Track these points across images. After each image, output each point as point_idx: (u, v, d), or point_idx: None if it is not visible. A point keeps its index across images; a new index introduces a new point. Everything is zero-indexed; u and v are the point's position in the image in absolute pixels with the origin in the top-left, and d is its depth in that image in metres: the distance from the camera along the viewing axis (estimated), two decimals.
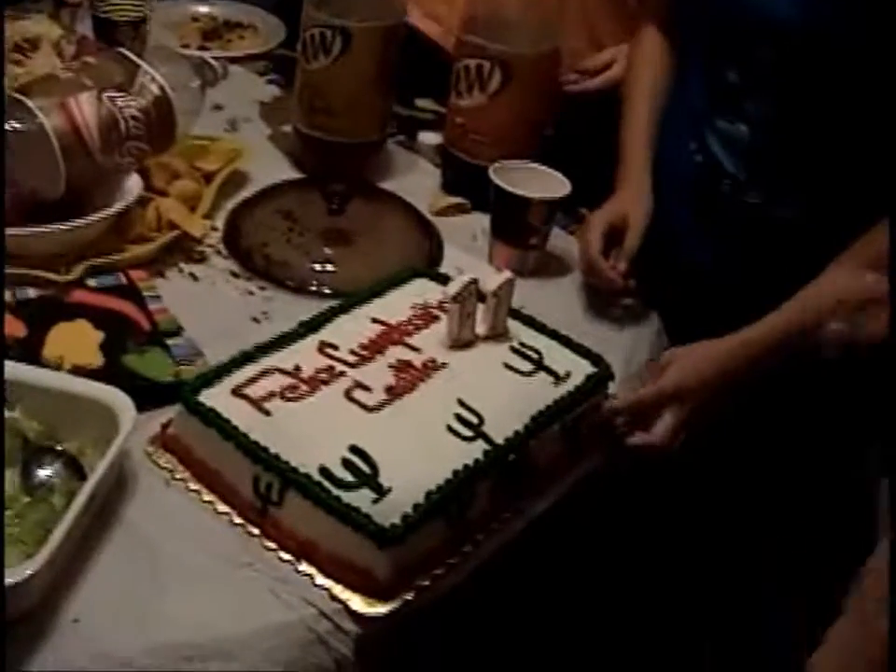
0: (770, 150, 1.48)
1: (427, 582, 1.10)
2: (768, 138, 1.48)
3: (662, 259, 1.56)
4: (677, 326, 1.54)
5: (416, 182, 1.79)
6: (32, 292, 1.37)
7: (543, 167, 1.58)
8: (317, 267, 1.54)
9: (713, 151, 1.52)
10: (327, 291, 1.48)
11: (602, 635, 1.46)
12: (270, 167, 1.75)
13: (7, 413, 1.13)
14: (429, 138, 1.87)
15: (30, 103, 1.41)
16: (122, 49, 1.54)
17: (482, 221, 1.67)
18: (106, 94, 1.45)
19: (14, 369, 1.17)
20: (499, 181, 1.54)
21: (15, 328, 1.30)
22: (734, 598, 1.66)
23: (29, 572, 0.95)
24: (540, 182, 1.56)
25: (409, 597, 1.08)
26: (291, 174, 1.76)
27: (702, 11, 1.51)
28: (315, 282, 1.51)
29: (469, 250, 1.63)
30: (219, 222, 1.59)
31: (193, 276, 1.49)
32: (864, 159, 1.43)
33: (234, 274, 1.50)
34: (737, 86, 1.48)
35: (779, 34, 1.40)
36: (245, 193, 1.67)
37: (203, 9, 2.29)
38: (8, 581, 0.95)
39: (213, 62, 1.64)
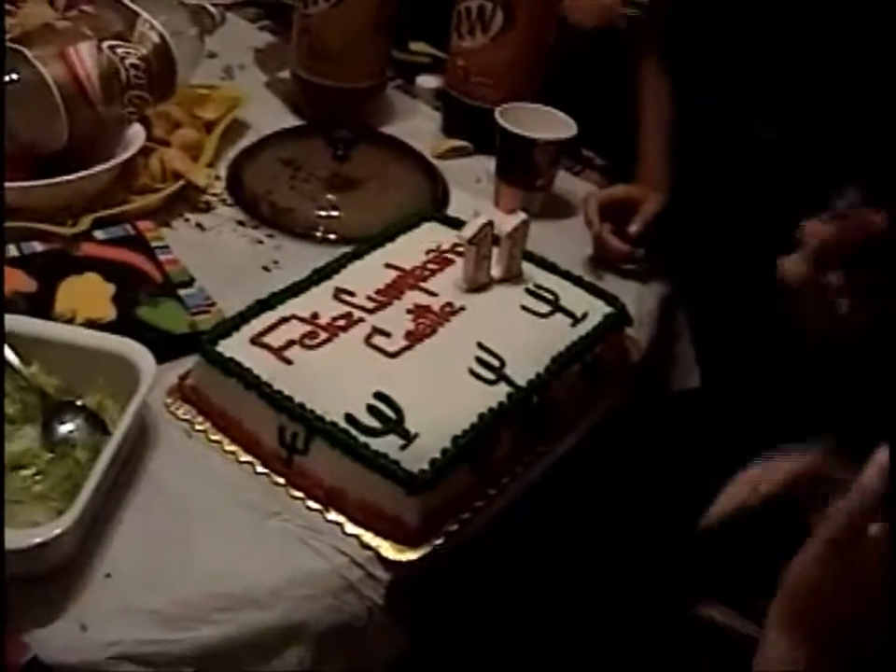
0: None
1: (455, 527, 1.10)
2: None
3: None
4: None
5: (417, 126, 1.78)
6: (38, 246, 1.35)
7: (548, 108, 1.57)
8: (323, 213, 1.53)
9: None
10: (333, 237, 1.47)
11: (624, 578, 1.46)
12: (269, 114, 1.73)
13: (25, 370, 1.12)
14: (428, 81, 1.86)
15: (29, 53, 1.38)
16: None
17: (484, 163, 1.66)
18: (106, 44, 1.42)
19: (28, 324, 1.16)
20: (505, 123, 1.52)
21: (23, 282, 1.28)
22: None
23: (58, 530, 0.94)
24: (546, 123, 1.54)
25: (438, 542, 1.08)
26: (290, 120, 1.74)
27: None
28: (321, 228, 1.49)
29: (473, 192, 1.62)
30: (222, 171, 1.58)
31: (200, 226, 1.47)
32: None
33: (240, 223, 1.49)
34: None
35: None
36: (246, 141, 1.65)
37: None
38: (39, 539, 0.94)
39: (211, 7, 1.61)
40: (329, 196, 1.56)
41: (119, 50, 1.43)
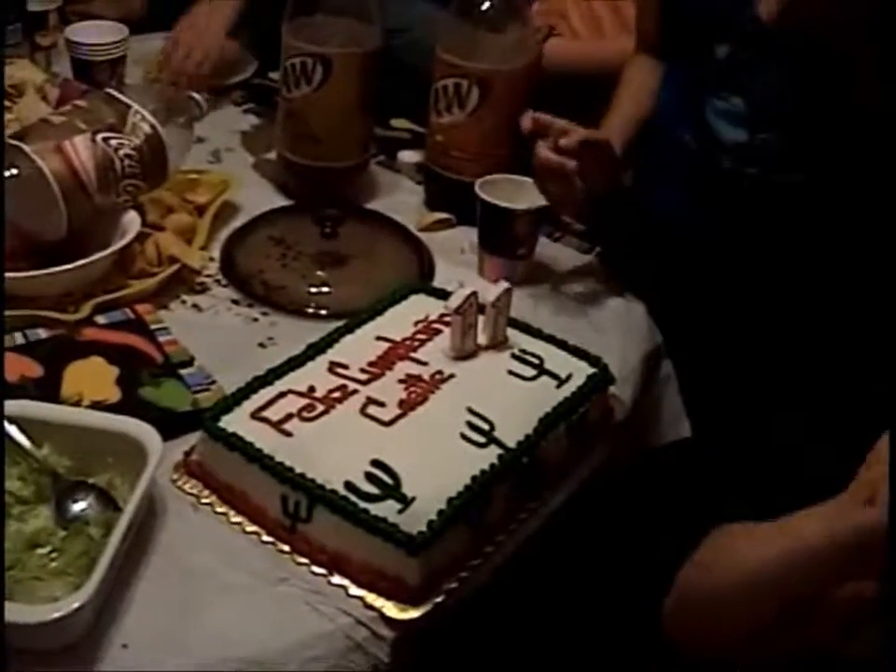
0: (767, 114, 1.54)
1: (454, 585, 1.15)
2: (765, 104, 1.54)
3: (659, 247, 1.62)
4: (672, 313, 1.59)
5: (400, 200, 1.84)
6: (43, 333, 1.41)
7: (526, 178, 1.63)
8: (314, 290, 1.59)
9: (713, 128, 1.58)
10: (325, 313, 1.53)
11: (619, 621, 1.50)
12: (257, 195, 1.79)
13: (37, 452, 1.17)
14: (410, 157, 1.92)
15: (27, 148, 1.45)
16: (111, 91, 1.58)
17: (468, 235, 1.72)
18: (100, 136, 1.49)
19: (38, 408, 1.21)
20: (485, 195, 1.59)
21: (30, 368, 1.34)
22: None
23: (77, 604, 0.99)
24: (524, 193, 1.61)
25: (439, 600, 1.13)
26: (279, 200, 1.80)
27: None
28: (313, 304, 1.55)
29: (458, 263, 1.68)
30: (216, 252, 1.64)
31: (197, 307, 1.53)
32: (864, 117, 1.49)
33: (235, 302, 1.55)
34: (727, 60, 1.54)
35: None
36: (237, 223, 1.71)
37: None
38: (59, 613, 0.99)
39: (197, 96, 1.68)
40: (320, 273, 1.62)
41: (113, 142, 1.50)
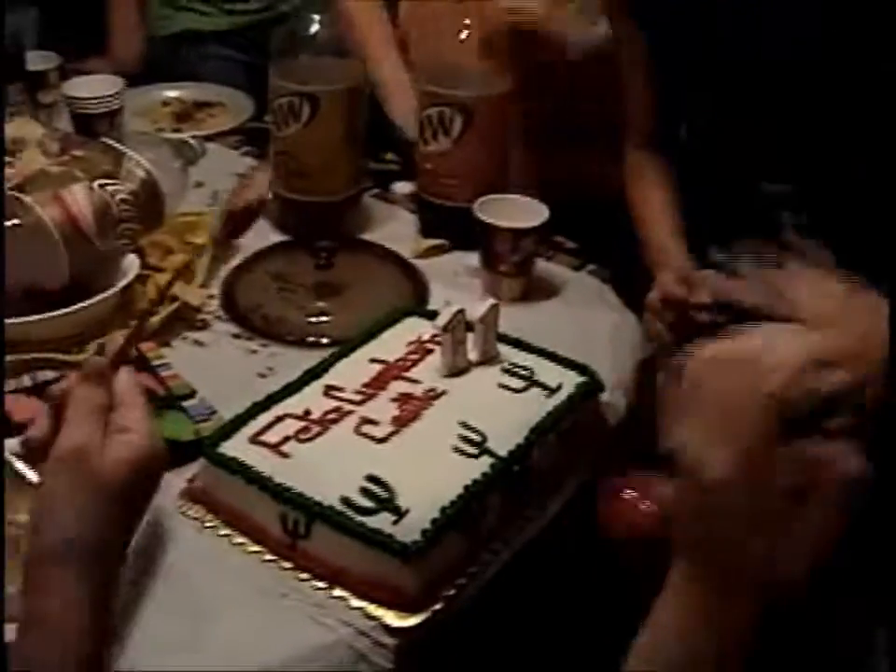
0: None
1: (452, 592, 1.18)
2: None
3: None
4: None
5: (395, 230, 1.89)
6: (50, 374, 1.45)
7: (529, 199, 1.68)
8: (313, 320, 1.63)
9: None
10: (325, 341, 1.57)
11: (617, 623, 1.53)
12: (255, 233, 1.83)
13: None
14: (403, 187, 1.97)
15: (27, 198, 1.50)
16: (106, 139, 1.63)
17: (462, 259, 1.77)
18: (97, 183, 1.54)
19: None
20: (480, 212, 1.64)
21: (39, 410, 1.38)
22: None
23: None
24: (524, 212, 1.66)
25: (438, 607, 1.16)
26: (275, 237, 1.85)
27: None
28: (313, 333, 1.59)
29: (453, 287, 1.72)
30: (215, 290, 1.68)
31: (198, 342, 1.57)
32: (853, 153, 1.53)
33: (236, 336, 1.59)
34: None
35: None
36: (236, 261, 1.76)
37: (172, 94, 2.41)
38: None
39: (192, 141, 1.74)
40: (318, 303, 1.66)
41: (110, 188, 1.55)
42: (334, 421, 1.30)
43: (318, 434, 1.28)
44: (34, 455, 1.09)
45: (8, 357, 1.38)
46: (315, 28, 1.75)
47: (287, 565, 1.20)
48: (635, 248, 1.79)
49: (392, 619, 1.15)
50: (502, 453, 1.26)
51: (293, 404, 1.33)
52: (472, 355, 1.40)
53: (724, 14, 1.55)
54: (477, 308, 1.40)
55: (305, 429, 1.28)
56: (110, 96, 2.00)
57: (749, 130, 1.59)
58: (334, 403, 1.33)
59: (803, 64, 1.50)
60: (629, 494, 1.24)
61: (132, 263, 1.59)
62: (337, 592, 1.17)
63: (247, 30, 2.81)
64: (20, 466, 1.21)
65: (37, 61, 2.15)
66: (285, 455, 1.25)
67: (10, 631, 1.01)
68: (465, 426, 1.29)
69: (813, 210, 1.56)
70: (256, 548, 1.22)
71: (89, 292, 1.52)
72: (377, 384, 1.36)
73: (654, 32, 1.68)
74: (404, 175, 1.98)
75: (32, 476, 1.21)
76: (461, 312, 1.37)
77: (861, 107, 1.50)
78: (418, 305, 1.63)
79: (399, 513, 1.17)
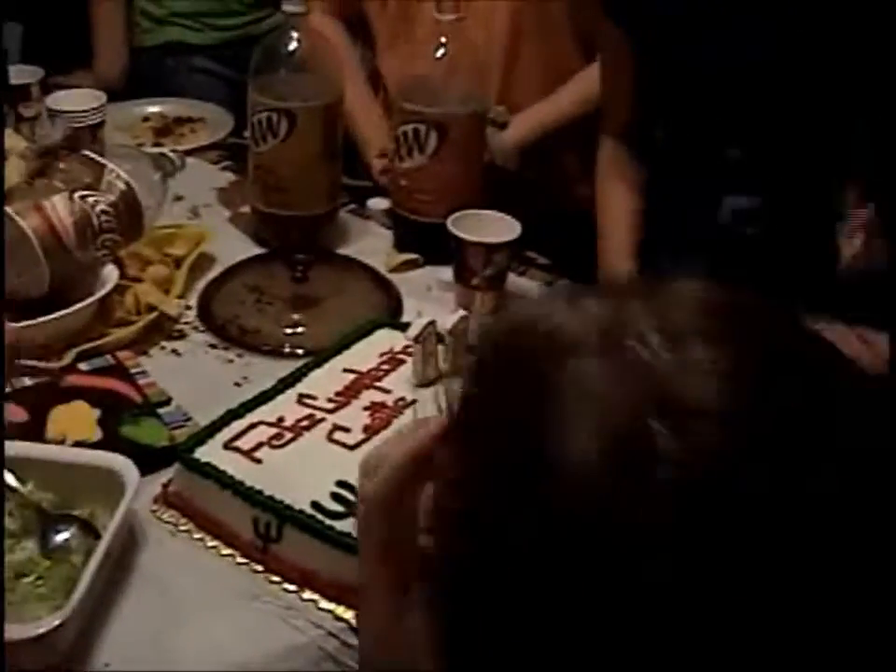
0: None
1: None
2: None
3: None
4: None
5: (370, 244, 1.92)
6: (28, 381, 1.49)
7: (502, 215, 1.71)
8: (288, 331, 1.66)
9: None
10: (300, 352, 1.60)
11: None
12: (233, 246, 1.87)
13: (22, 489, 1.25)
14: (378, 203, 2.00)
15: (8, 209, 1.53)
16: (87, 152, 1.66)
17: (434, 273, 1.80)
18: (78, 194, 1.58)
19: (24, 447, 1.29)
20: (453, 227, 1.67)
21: (17, 413, 1.41)
22: None
23: (57, 622, 1.06)
24: (494, 228, 1.69)
25: None
26: (253, 250, 1.88)
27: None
28: (288, 344, 1.62)
29: (426, 300, 1.75)
30: (193, 301, 1.71)
31: (175, 352, 1.60)
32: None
33: (212, 346, 1.62)
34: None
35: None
36: (213, 273, 1.79)
37: (153, 109, 2.43)
38: (39, 630, 1.06)
39: (171, 154, 1.77)
40: (293, 315, 1.69)
41: (90, 199, 1.58)
42: (307, 428, 1.33)
43: (291, 440, 1.31)
44: None
45: None
46: (293, 45, 1.78)
47: (259, 568, 1.23)
48: None
49: None
50: None
51: (267, 411, 1.36)
52: (443, 365, 1.44)
53: (697, 20, 1.57)
54: (448, 320, 1.43)
55: (278, 436, 1.31)
56: (93, 110, 2.03)
57: (716, 135, 1.62)
58: (307, 411, 1.36)
59: (768, 72, 1.52)
60: None
61: (111, 274, 1.61)
62: (307, 594, 1.20)
63: (232, 44, 2.84)
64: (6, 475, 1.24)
65: (20, 74, 2.18)
66: (258, 461, 1.28)
67: (10, 631, 1.05)
68: None
69: (777, 223, 1.59)
70: (228, 551, 1.25)
71: (68, 301, 1.55)
72: (350, 392, 1.40)
73: (633, 33, 1.70)
74: (380, 192, 2.01)
75: (11, 480, 1.24)
76: (432, 323, 1.41)
77: (828, 115, 1.52)
78: (392, 318, 1.66)
79: None
